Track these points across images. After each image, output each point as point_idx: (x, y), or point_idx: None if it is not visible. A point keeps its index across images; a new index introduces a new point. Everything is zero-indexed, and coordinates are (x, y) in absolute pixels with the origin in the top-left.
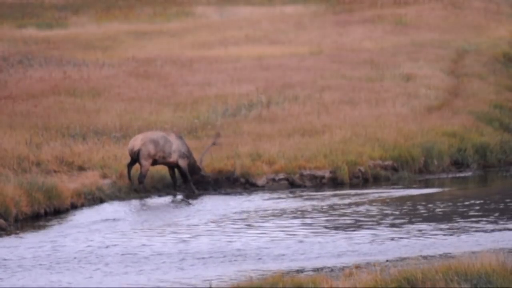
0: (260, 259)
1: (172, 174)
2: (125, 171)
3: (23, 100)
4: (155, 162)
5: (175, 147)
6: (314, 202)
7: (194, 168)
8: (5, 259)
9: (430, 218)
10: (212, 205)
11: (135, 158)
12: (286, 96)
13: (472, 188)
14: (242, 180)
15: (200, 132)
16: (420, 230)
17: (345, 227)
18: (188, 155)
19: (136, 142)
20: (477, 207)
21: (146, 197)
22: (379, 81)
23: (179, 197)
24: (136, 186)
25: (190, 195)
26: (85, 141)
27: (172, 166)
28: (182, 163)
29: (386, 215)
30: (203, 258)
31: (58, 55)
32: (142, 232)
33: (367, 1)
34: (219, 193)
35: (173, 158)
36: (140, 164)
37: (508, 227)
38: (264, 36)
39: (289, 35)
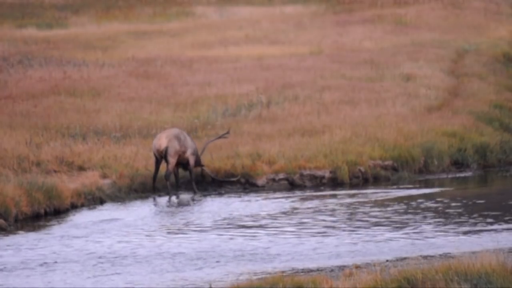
0: (260, 259)
1: (177, 173)
2: (125, 171)
3: (23, 100)
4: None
5: (190, 143)
6: (314, 202)
7: (198, 160)
8: (5, 259)
9: (430, 218)
10: (212, 205)
11: (162, 156)
12: (286, 96)
13: (472, 188)
14: (242, 180)
15: (200, 132)
16: (420, 230)
17: (345, 227)
18: (196, 152)
19: (162, 140)
20: (477, 207)
21: (146, 197)
22: (379, 81)
23: (180, 197)
24: (161, 185)
25: (191, 195)
26: (85, 141)
27: (183, 163)
28: (192, 160)
29: (386, 215)
30: (202, 258)
31: (58, 55)
32: (141, 233)
33: (367, 1)
34: (219, 193)
35: (187, 154)
36: (166, 161)
37: (508, 227)
38: (264, 36)
39: (289, 35)
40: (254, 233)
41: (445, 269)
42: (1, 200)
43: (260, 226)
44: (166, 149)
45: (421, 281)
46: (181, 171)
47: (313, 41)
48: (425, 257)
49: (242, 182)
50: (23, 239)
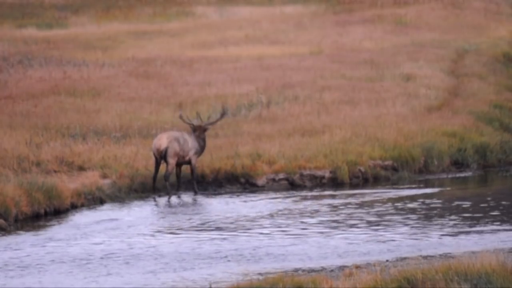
0: (260, 259)
1: (179, 174)
2: (125, 171)
3: (23, 100)
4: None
5: (191, 145)
6: (314, 202)
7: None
8: (4, 259)
9: (430, 218)
10: (212, 205)
11: (161, 156)
12: (286, 96)
13: (472, 188)
14: (242, 180)
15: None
16: (420, 230)
17: (345, 227)
18: (199, 150)
19: (162, 140)
20: (477, 207)
21: (146, 197)
22: (379, 81)
23: (180, 197)
24: (160, 186)
25: (191, 195)
26: (85, 141)
27: (185, 164)
28: (194, 159)
29: (386, 215)
30: (202, 258)
31: (58, 55)
32: (141, 233)
33: (367, 1)
34: (219, 193)
35: (190, 155)
36: (166, 162)
37: (508, 227)
38: (264, 36)
39: (289, 35)
40: (254, 233)
41: (445, 269)
42: (1, 200)
43: (260, 226)
44: (166, 149)
45: (421, 281)
46: (188, 169)
47: (313, 41)
48: (425, 257)
49: (242, 182)
50: (23, 239)
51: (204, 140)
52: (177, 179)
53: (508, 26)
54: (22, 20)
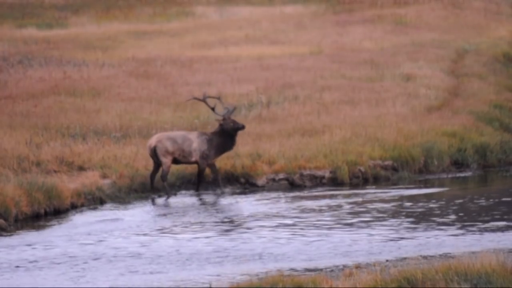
0: (260, 259)
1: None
2: (125, 171)
3: (23, 100)
4: (176, 161)
5: (195, 146)
6: (314, 202)
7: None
8: (4, 259)
9: (431, 218)
10: (212, 205)
11: (153, 155)
12: (286, 96)
13: (472, 188)
14: (242, 180)
15: None
16: (420, 230)
17: (345, 227)
18: (208, 153)
19: (152, 139)
20: (477, 207)
21: (146, 197)
22: (379, 81)
23: (179, 197)
24: (159, 186)
25: (190, 195)
26: (85, 141)
27: (191, 164)
28: (202, 163)
29: (386, 215)
30: (202, 258)
31: (58, 55)
32: (141, 233)
33: (367, 1)
34: (219, 193)
35: (195, 157)
36: (160, 162)
37: (508, 227)
38: (264, 36)
39: (289, 35)
40: (254, 232)
41: (445, 269)
42: (1, 200)
43: (260, 226)
44: (155, 148)
45: (421, 281)
46: (188, 169)
47: (313, 41)
48: (425, 257)
49: (242, 182)
50: (23, 239)
51: (217, 139)
52: (199, 178)
53: (508, 26)
54: (22, 20)
